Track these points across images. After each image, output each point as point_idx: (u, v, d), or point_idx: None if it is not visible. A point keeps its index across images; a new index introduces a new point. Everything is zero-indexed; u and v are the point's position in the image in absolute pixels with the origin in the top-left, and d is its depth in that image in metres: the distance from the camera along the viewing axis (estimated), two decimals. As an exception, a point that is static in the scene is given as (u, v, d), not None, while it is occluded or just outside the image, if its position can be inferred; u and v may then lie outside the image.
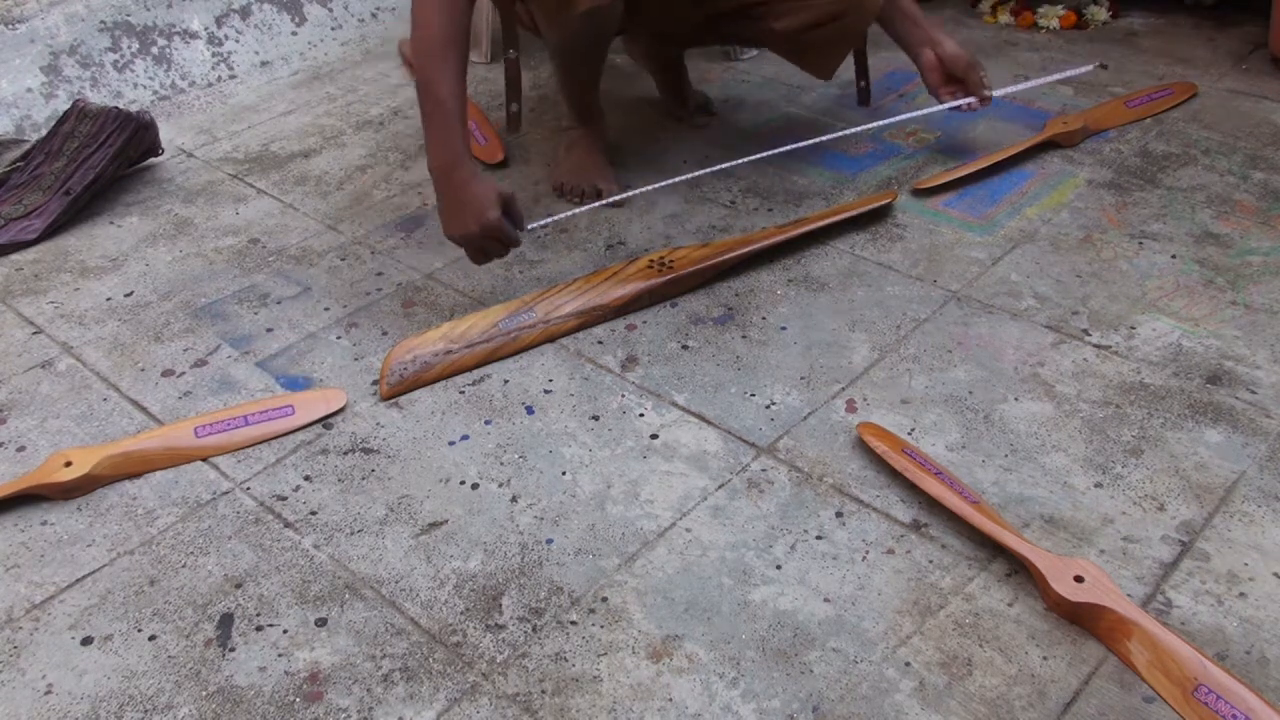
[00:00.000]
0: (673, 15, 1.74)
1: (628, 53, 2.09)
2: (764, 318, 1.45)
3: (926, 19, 1.72)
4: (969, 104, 1.71)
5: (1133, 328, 1.39)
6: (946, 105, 1.72)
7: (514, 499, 1.19)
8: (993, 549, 1.09)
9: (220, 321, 1.50)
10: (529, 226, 1.48)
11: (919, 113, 1.77)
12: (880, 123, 1.78)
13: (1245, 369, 1.31)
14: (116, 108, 1.85)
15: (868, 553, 1.10)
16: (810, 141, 1.69)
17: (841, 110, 1.99)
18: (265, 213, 1.78)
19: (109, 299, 1.57)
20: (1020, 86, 1.84)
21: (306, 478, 1.23)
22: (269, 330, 1.48)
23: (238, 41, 2.26)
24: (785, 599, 1.05)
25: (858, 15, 1.61)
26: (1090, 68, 1.94)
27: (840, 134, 1.73)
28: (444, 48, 1.39)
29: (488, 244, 1.42)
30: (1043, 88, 1.98)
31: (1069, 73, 1.90)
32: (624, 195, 1.72)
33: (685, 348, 1.40)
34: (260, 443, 1.28)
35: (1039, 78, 1.89)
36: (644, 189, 1.64)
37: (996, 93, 1.74)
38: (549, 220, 1.58)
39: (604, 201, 1.67)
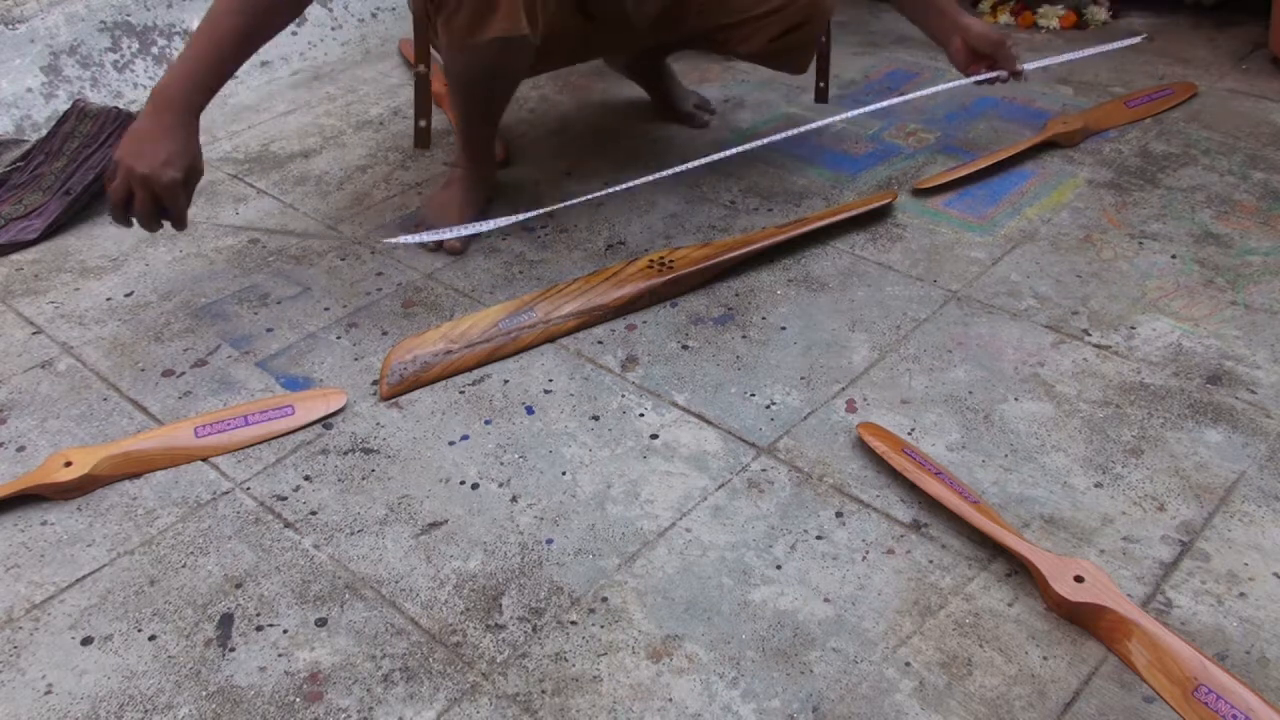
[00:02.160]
0: (623, 45, 1.72)
1: (607, 64, 2.05)
2: (764, 318, 1.45)
3: (951, 7, 1.68)
4: (999, 77, 1.68)
5: (1133, 328, 1.39)
6: (975, 79, 1.68)
7: (514, 499, 1.19)
8: (993, 549, 1.09)
9: (220, 321, 1.50)
10: (386, 241, 1.39)
11: (923, 92, 1.73)
12: (873, 106, 1.73)
13: (1245, 369, 1.31)
14: (116, 108, 1.86)
15: (868, 553, 1.10)
16: (784, 134, 1.63)
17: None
18: (265, 213, 1.78)
19: (109, 299, 1.57)
20: (1060, 59, 1.81)
21: (306, 478, 1.23)
22: (269, 330, 1.48)
23: (238, 41, 2.26)
24: (785, 599, 1.05)
25: (818, 19, 1.60)
26: (1138, 39, 1.91)
27: (816, 125, 1.68)
28: (257, 5, 1.28)
29: (143, 193, 1.27)
30: (1058, 71, 1.98)
31: (1114, 45, 1.87)
32: (456, 231, 1.58)
33: (685, 348, 1.40)
34: (260, 443, 1.28)
35: (1080, 50, 1.86)
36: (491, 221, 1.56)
37: (1031, 65, 1.73)
38: (405, 240, 1.49)
39: (424, 237, 1.54)
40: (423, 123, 1.64)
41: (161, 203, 1.28)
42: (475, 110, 1.61)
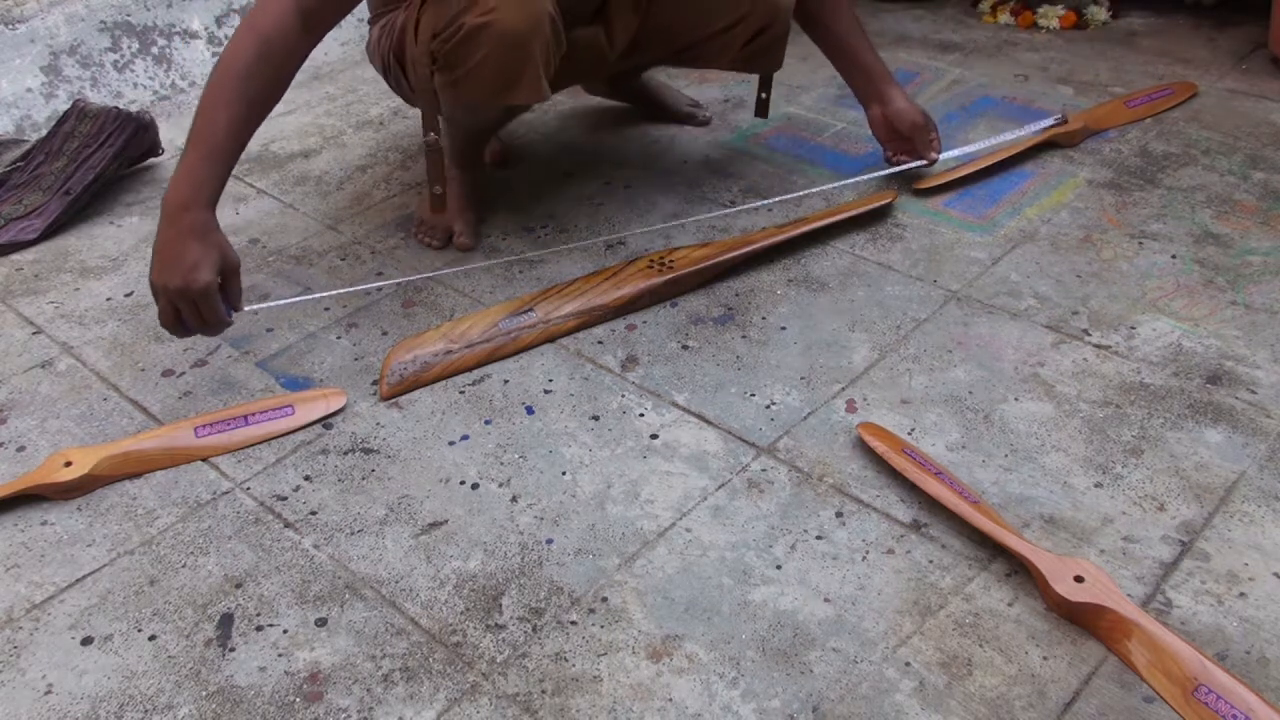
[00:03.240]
0: (595, 74, 1.70)
1: (587, 91, 2.02)
2: (764, 318, 1.45)
3: (880, 73, 1.66)
4: (919, 165, 1.68)
5: (1133, 328, 1.39)
6: (890, 171, 1.69)
7: (514, 499, 1.19)
8: (993, 549, 1.09)
9: (220, 321, 1.50)
10: (247, 308, 1.31)
11: (884, 172, 1.70)
12: (848, 181, 1.70)
13: (1245, 369, 1.31)
14: (116, 108, 1.86)
15: (868, 553, 1.10)
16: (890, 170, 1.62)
17: (842, 110, 1.99)
18: (265, 213, 1.78)
19: (109, 299, 1.57)
20: (976, 147, 1.76)
21: (306, 478, 1.23)
22: (269, 330, 1.48)
23: (238, 41, 2.26)
24: (785, 599, 1.05)
25: (780, 19, 1.58)
26: (1053, 119, 1.81)
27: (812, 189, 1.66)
28: (245, 81, 1.24)
29: (186, 306, 1.22)
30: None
31: (1031, 127, 1.80)
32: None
33: (685, 348, 1.40)
34: (260, 443, 1.28)
35: (1000, 135, 1.80)
36: (474, 265, 1.56)
37: (952, 153, 1.72)
38: (270, 305, 1.43)
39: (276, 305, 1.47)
40: (438, 189, 1.55)
41: (204, 307, 1.23)
42: (469, 140, 1.64)
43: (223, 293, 1.24)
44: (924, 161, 1.68)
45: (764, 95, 1.75)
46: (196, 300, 1.20)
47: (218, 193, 1.25)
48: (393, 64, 1.54)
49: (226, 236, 1.26)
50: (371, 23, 1.60)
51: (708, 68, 1.67)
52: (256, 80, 1.25)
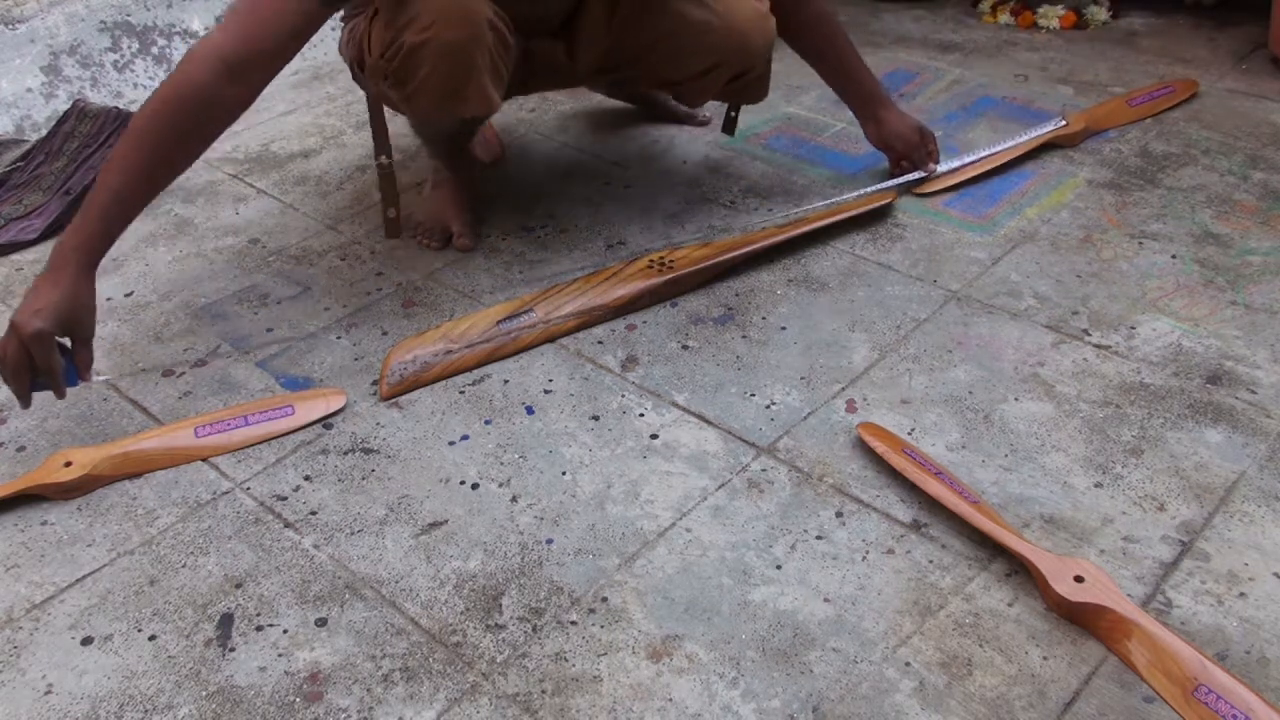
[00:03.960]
0: (567, 85, 1.68)
1: (588, 89, 2.03)
2: (764, 318, 1.45)
3: (872, 93, 1.66)
4: (922, 178, 1.70)
5: (1133, 328, 1.39)
6: (893, 183, 1.69)
7: (514, 499, 1.19)
8: (993, 549, 1.09)
9: (220, 321, 1.50)
10: (96, 379, 1.25)
11: (886, 185, 1.69)
12: (861, 191, 1.68)
13: (1245, 369, 1.31)
14: (116, 108, 1.86)
15: (868, 553, 1.10)
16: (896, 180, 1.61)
17: (841, 109, 1.98)
18: (265, 213, 1.78)
19: (109, 299, 1.57)
20: (977, 155, 1.75)
21: (306, 478, 1.23)
22: (269, 330, 1.48)
23: (238, 41, 2.26)
24: (785, 599, 1.05)
25: (757, 61, 1.58)
26: (1054, 124, 1.81)
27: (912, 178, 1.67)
28: (146, 138, 1.19)
29: (14, 346, 1.16)
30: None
31: (1033, 131, 1.80)
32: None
33: (685, 348, 1.40)
34: (260, 443, 1.28)
35: (1003, 142, 1.78)
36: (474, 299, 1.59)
37: (952, 164, 1.72)
38: (107, 378, 1.35)
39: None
40: (391, 213, 1.54)
41: (32, 357, 1.16)
42: (441, 147, 1.64)
43: (69, 354, 1.20)
44: (924, 175, 1.70)
45: (733, 114, 1.77)
46: (27, 343, 1.14)
47: (102, 251, 1.21)
48: (357, 71, 1.54)
49: (96, 302, 1.22)
50: (344, 21, 1.58)
51: (695, 104, 1.66)
52: (159, 137, 1.20)
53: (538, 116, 2.04)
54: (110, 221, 1.21)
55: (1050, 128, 1.80)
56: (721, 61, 1.54)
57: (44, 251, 1.69)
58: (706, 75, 1.56)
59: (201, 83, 1.20)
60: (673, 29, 1.50)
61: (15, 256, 1.69)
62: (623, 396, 1.33)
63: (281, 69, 1.26)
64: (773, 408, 1.30)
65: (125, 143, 1.20)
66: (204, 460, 1.26)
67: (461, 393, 1.35)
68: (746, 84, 1.62)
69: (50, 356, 1.17)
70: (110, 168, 1.20)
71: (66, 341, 1.20)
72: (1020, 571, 1.06)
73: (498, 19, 1.35)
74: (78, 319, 1.19)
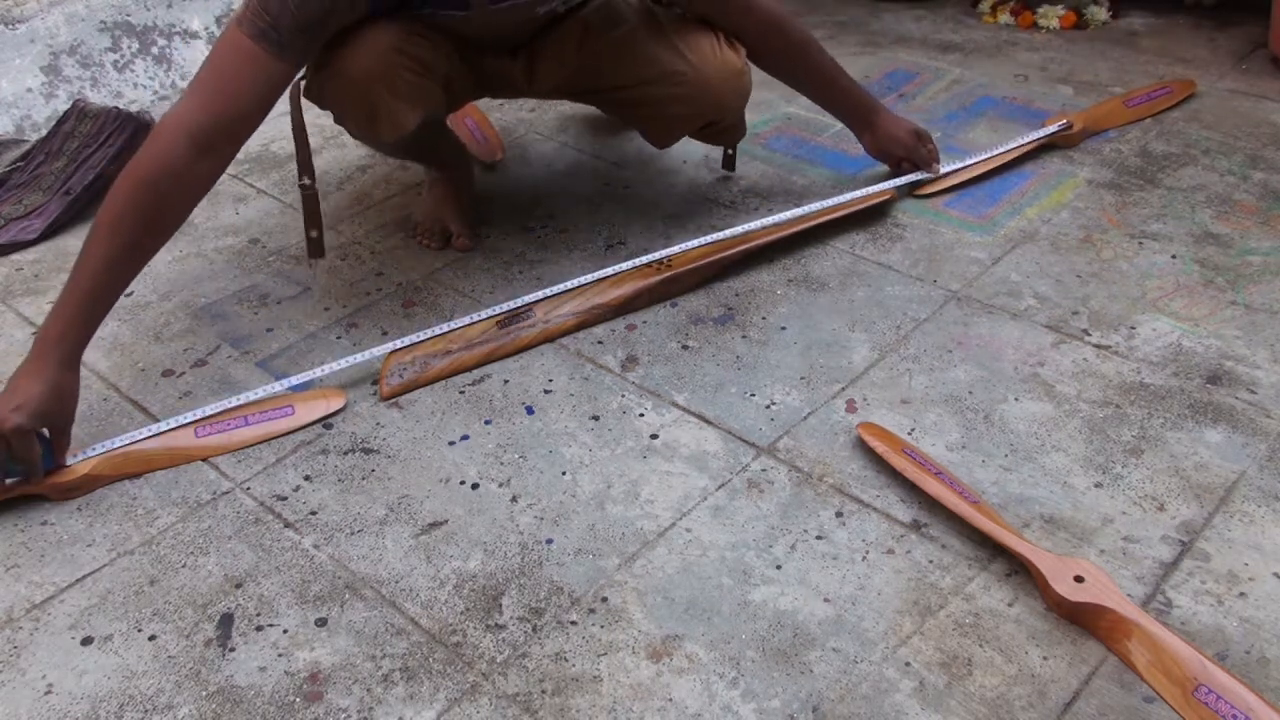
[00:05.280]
0: (513, 96, 1.65)
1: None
2: (764, 318, 1.45)
3: (862, 103, 1.65)
4: (926, 179, 1.70)
5: (1133, 328, 1.39)
6: (896, 182, 1.68)
7: (514, 499, 1.19)
8: (993, 549, 1.09)
9: (220, 321, 1.50)
10: (70, 461, 1.21)
11: (889, 184, 1.68)
12: (860, 191, 1.67)
13: (1245, 369, 1.31)
14: (117, 108, 1.86)
15: (868, 553, 1.10)
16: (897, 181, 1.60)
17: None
18: (265, 213, 1.78)
19: (109, 299, 1.57)
20: (978, 158, 1.75)
21: (306, 478, 1.23)
22: (269, 330, 1.48)
23: (238, 41, 2.26)
24: (785, 599, 1.05)
25: (729, 113, 1.56)
26: (1059, 126, 1.80)
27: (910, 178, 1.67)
28: (121, 223, 1.20)
29: None
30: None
31: (1036, 134, 1.79)
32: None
33: (685, 348, 1.40)
34: (260, 443, 1.28)
35: (1005, 144, 1.78)
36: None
37: (954, 166, 1.72)
38: (89, 454, 1.24)
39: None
40: (314, 233, 1.49)
41: (11, 451, 1.15)
42: (406, 156, 1.68)
43: (46, 442, 1.19)
44: (929, 175, 1.70)
45: (730, 152, 1.77)
46: (7, 437, 1.14)
47: (84, 342, 1.21)
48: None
49: (79, 384, 1.21)
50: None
51: (660, 145, 1.64)
52: (132, 223, 1.21)
53: (538, 116, 2.04)
54: (90, 313, 1.21)
55: (1054, 129, 1.80)
56: (693, 113, 1.54)
57: (44, 251, 1.70)
58: (677, 119, 1.55)
59: (170, 160, 1.20)
60: (644, 75, 1.49)
61: (15, 256, 1.69)
62: (623, 396, 1.33)
63: (250, 136, 1.28)
64: (773, 408, 1.30)
65: (99, 231, 1.20)
66: (204, 460, 1.26)
67: (461, 393, 1.35)
68: (719, 130, 1.61)
69: (30, 451, 1.16)
70: (87, 257, 1.20)
71: (45, 430, 1.19)
72: (1020, 571, 1.06)
73: (408, 42, 1.35)
74: (58, 412, 1.18)
